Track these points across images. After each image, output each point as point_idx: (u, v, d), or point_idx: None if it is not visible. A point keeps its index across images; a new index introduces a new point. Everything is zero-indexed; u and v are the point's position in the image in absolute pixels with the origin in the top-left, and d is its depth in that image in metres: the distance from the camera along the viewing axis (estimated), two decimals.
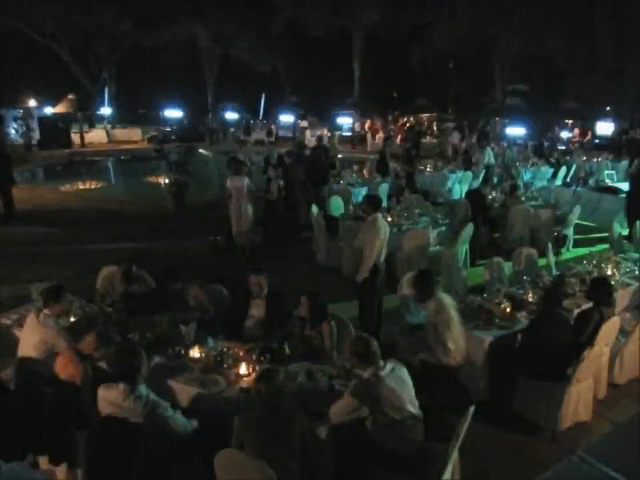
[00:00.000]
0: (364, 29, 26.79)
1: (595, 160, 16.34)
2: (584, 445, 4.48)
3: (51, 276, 7.04)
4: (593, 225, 11.15)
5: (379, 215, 5.97)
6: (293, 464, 3.24)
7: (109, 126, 28.42)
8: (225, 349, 4.30)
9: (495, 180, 13.79)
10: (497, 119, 25.09)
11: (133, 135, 27.63)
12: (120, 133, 27.81)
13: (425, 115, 29.78)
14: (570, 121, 24.07)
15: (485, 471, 4.18)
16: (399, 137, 22.26)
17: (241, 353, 4.32)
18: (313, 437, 3.44)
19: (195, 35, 28.75)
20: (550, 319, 4.72)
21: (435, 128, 28.28)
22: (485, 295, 5.58)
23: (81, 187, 16.51)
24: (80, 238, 10.24)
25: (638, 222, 8.40)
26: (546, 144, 19.04)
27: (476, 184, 12.52)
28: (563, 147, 19.87)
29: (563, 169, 14.23)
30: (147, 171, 17.35)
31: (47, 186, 16.33)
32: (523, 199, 10.24)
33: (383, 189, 11.15)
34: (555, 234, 9.47)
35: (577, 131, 23.48)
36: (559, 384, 4.52)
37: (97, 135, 26.38)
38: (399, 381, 3.59)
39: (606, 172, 14.16)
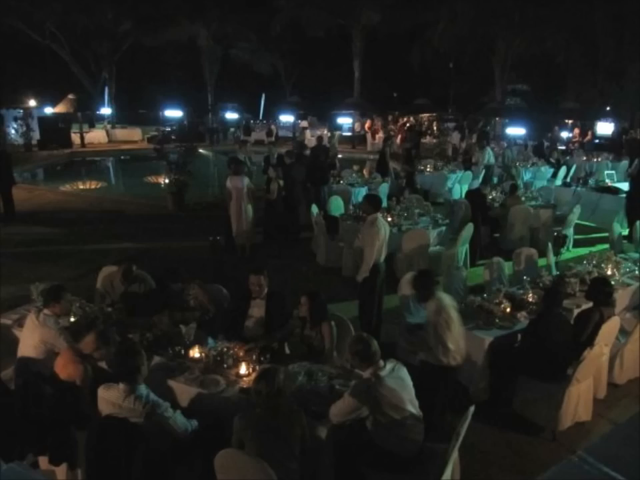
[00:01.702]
0: (364, 29, 26.73)
1: (595, 160, 16.36)
2: (584, 444, 4.48)
3: (51, 276, 7.05)
4: (593, 225, 11.15)
5: (379, 215, 5.98)
6: (293, 464, 3.24)
7: (108, 126, 28.37)
8: (225, 349, 4.30)
9: (495, 180, 13.80)
10: (497, 119, 25.03)
11: (133, 135, 27.58)
12: (120, 133, 27.74)
13: (425, 115, 29.71)
14: (570, 121, 24.01)
15: (485, 470, 4.18)
16: (399, 136, 22.20)
17: (241, 353, 4.32)
18: (313, 437, 3.44)
19: (194, 34, 28.72)
20: (550, 319, 4.73)
21: (434, 128, 28.22)
22: (485, 295, 5.59)
23: (81, 186, 16.52)
24: (80, 238, 10.24)
25: (638, 222, 8.41)
26: (546, 144, 19.04)
27: (476, 184, 12.51)
28: (563, 147, 19.86)
29: (563, 169, 14.23)
30: (147, 170, 17.32)
31: (47, 186, 16.35)
32: (523, 198, 10.24)
33: (383, 189, 11.15)
34: (555, 234, 9.46)
35: (576, 130, 23.46)
36: (559, 384, 4.52)
37: (96, 135, 26.33)
38: (399, 381, 3.59)
39: (606, 172, 14.16)
